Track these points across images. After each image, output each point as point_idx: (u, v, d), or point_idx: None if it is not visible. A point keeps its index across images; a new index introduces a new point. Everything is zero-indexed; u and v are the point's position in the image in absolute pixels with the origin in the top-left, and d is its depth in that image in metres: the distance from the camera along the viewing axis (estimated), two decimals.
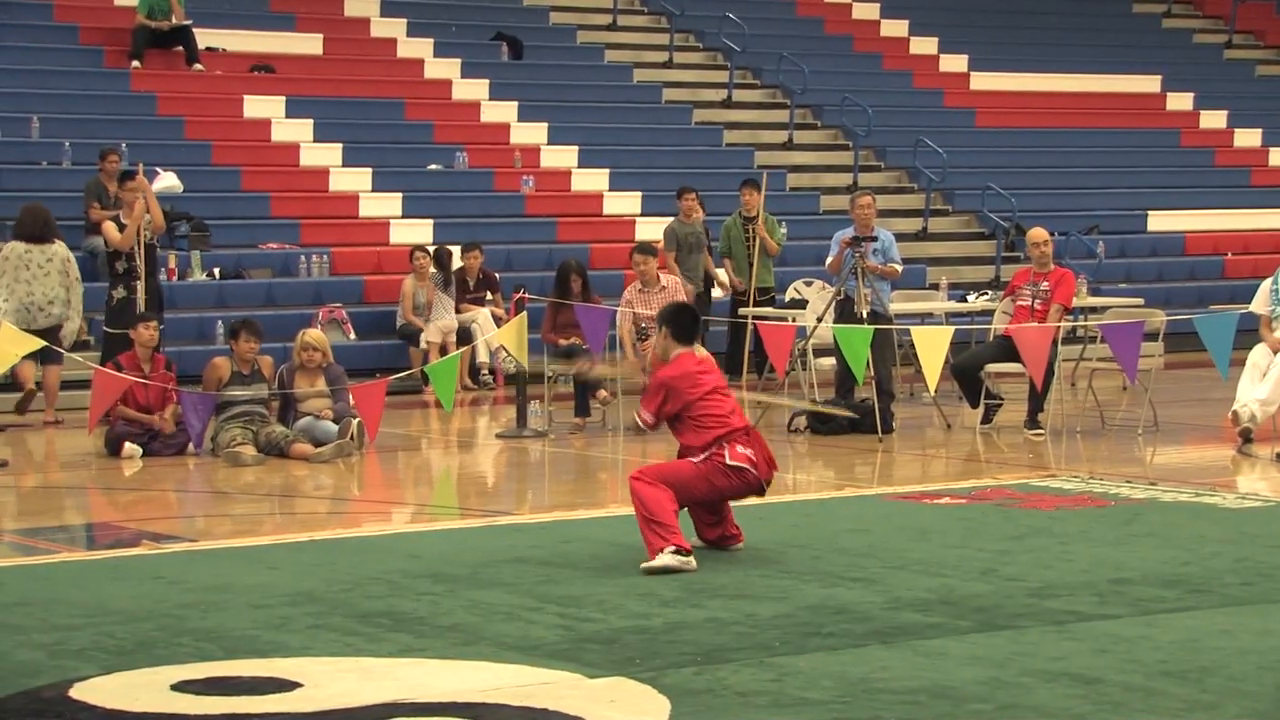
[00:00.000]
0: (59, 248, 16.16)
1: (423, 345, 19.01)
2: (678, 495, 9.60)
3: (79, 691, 6.97)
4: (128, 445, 14.34)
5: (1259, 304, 15.05)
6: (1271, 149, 28.47)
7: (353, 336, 19.31)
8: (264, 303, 19.65)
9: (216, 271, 19.88)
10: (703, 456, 9.74)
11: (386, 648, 7.73)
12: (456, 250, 20.04)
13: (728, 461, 9.71)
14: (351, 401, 14.75)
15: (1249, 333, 15.20)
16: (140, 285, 16.41)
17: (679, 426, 9.94)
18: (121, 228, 16.51)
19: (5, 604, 8.62)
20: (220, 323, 18.19)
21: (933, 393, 15.50)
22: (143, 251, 16.52)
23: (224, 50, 23.73)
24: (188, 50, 23.02)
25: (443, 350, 18.69)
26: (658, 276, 16.27)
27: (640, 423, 10.13)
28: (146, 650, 7.67)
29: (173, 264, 19.43)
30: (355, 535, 10.88)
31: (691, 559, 9.34)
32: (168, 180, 20.36)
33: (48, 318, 15.88)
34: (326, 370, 14.92)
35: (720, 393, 9.93)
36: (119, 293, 16.45)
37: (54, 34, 23.13)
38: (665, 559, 9.26)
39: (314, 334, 15.20)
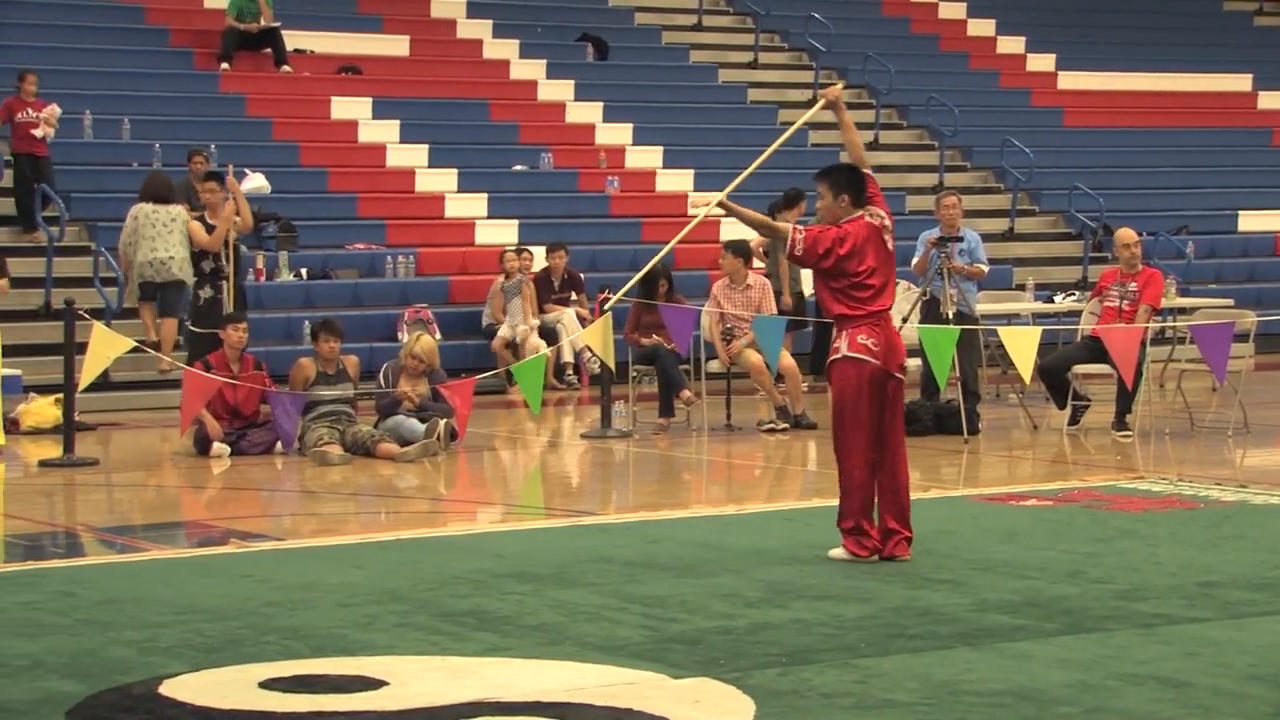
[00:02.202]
0: (180, 210, 17.44)
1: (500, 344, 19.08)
2: (847, 450, 9.50)
3: (168, 688, 7.03)
4: (216, 444, 14.45)
5: None
6: None
7: (438, 337, 19.39)
8: (350, 303, 19.77)
9: (304, 272, 20.02)
10: (834, 355, 9.54)
11: (472, 647, 7.76)
12: (541, 250, 20.10)
13: (845, 353, 9.54)
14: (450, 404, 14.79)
15: None
16: (227, 285, 16.56)
17: (826, 293, 9.64)
18: (209, 228, 16.65)
19: (96, 601, 8.71)
20: (307, 323, 18.31)
21: (1025, 388, 15.40)
22: (231, 252, 16.68)
23: (312, 52, 23.89)
24: (276, 52, 23.20)
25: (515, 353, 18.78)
26: (746, 275, 16.26)
27: (790, 241, 9.66)
28: (234, 648, 7.73)
29: (260, 264, 19.58)
30: (441, 535, 10.92)
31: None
32: (256, 181, 20.49)
33: (169, 274, 17.19)
34: (431, 375, 14.98)
35: (886, 272, 9.56)
36: (205, 292, 16.60)
37: (145, 37, 23.36)
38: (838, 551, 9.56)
39: (426, 343, 15.19)
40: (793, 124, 11.38)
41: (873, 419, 9.59)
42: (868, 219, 9.64)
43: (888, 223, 9.69)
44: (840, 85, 10.27)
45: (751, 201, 20.29)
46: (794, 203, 19.16)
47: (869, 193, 9.71)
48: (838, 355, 9.61)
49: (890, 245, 9.69)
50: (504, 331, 19.21)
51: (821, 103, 10.33)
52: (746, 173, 10.46)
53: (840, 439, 9.65)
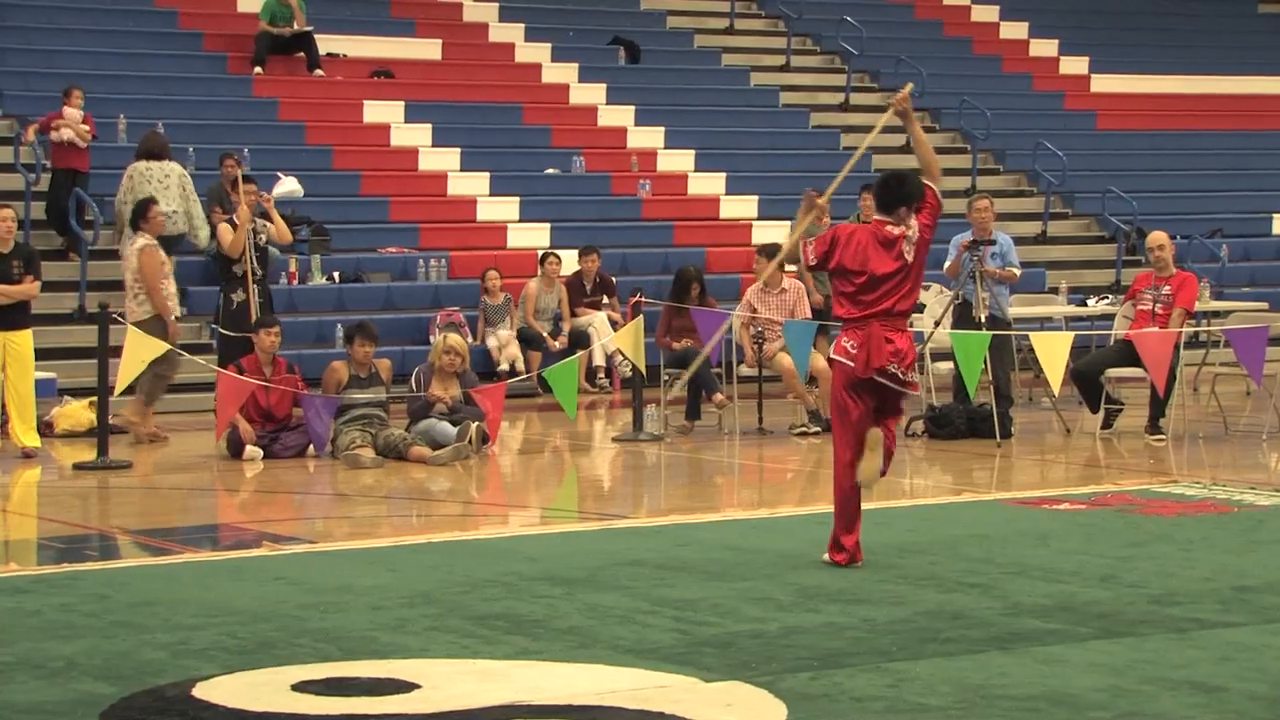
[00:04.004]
0: (175, 166, 17.97)
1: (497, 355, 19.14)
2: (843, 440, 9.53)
3: (201, 690, 7.05)
4: (249, 448, 14.49)
5: None
6: None
7: (470, 340, 19.42)
8: (383, 306, 19.80)
9: (336, 275, 20.06)
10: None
11: (503, 650, 7.76)
12: (573, 254, 20.13)
13: (831, 356, 9.70)
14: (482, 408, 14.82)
15: None
16: (252, 290, 16.58)
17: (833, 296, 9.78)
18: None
19: (130, 603, 8.74)
20: (339, 326, 18.35)
21: (1056, 394, 15.36)
22: (252, 255, 16.69)
23: (344, 56, 23.94)
24: (309, 56, 23.26)
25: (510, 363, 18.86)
26: (780, 278, 16.25)
27: (804, 254, 9.83)
28: (267, 650, 7.75)
29: (293, 268, 19.63)
30: (473, 538, 10.93)
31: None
32: (289, 185, 20.54)
33: (170, 228, 17.23)
34: (462, 376, 15.01)
35: (882, 279, 9.51)
36: (237, 296, 16.63)
37: (178, 41, 23.44)
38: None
39: (456, 339, 15.26)
40: (858, 141, 11.33)
41: (856, 422, 9.53)
42: (876, 226, 9.59)
43: (909, 233, 9.64)
44: (909, 88, 10.20)
45: (781, 204, 20.34)
46: None
47: (911, 203, 9.62)
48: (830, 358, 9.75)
49: (904, 254, 9.58)
50: (490, 341, 19.23)
51: (890, 110, 10.32)
52: (828, 193, 10.48)
53: (833, 441, 9.72)
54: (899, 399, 9.67)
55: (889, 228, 9.62)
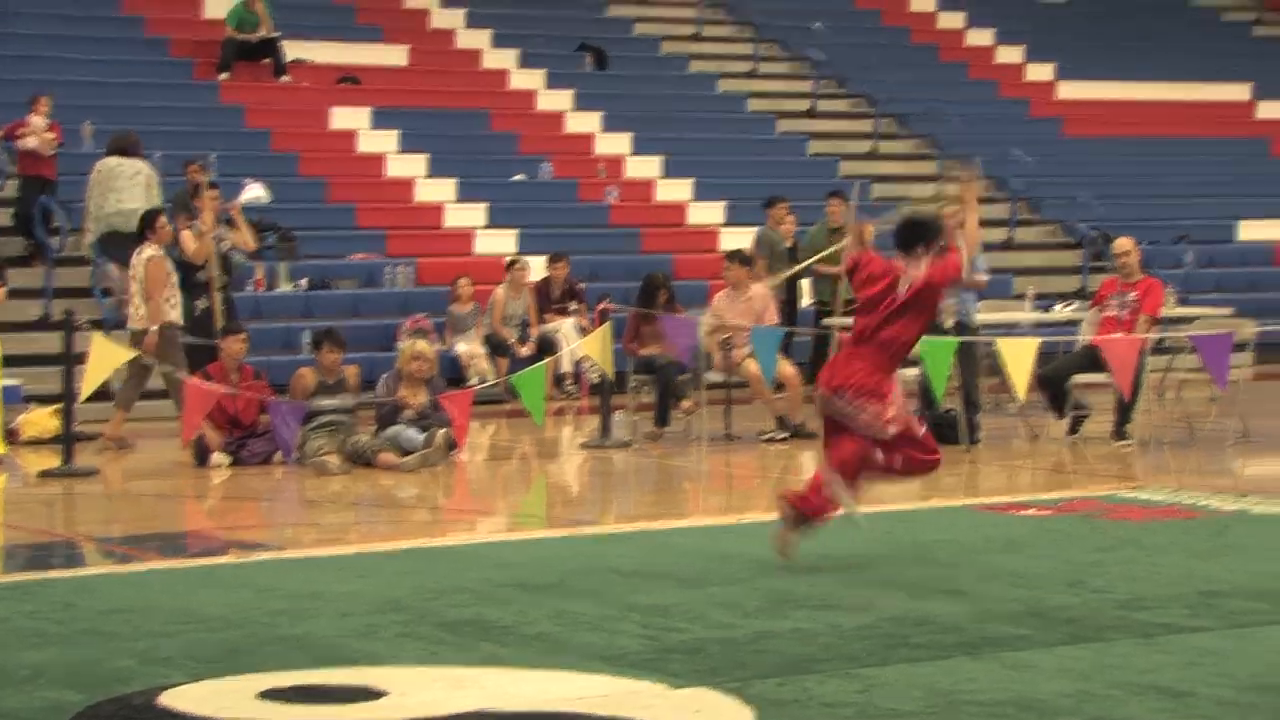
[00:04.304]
0: (143, 165, 18.09)
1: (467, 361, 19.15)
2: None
3: (168, 698, 7.02)
4: (216, 455, 14.45)
5: None
6: None
7: (438, 346, 19.39)
8: (350, 312, 19.77)
9: (303, 282, 20.03)
10: None
11: (472, 656, 7.75)
12: (541, 260, 20.12)
13: None
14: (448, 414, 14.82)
15: None
16: (215, 297, 16.56)
17: None
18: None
19: (97, 611, 8.70)
20: (307, 333, 18.31)
21: (1021, 403, 15.39)
22: (216, 262, 16.65)
23: (311, 62, 23.91)
24: (276, 62, 23.23)
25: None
26: (748, 284, 16.26)
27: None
28: (235, 658, 7.72)
29: (260, 274, 19.59)
30: (442, 544, 10.92)
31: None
32: (255, 191, 20.54)
33: (132, 226, 16.98)
34: (430, 383, 15.00)
35: (874, 303, 9.71)
36: (201, 303, 16.61)
37: (145, 47, 23.40)
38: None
39: (423, 345, 15.28)
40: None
41: (826, 436, 9.94)
42: (897, 264, 9.81)
43: (914, 271, 9.70)
44: (977, 171, 10.31)
45: (748, 210, 20.34)
46: (771, 207, 19.32)
47: (926, 243, 9.82)
48: None
49: (898, 286, 9.68)
50: (459, 348, 19.21)
51: (959, 192, 10.44)
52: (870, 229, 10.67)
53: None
54: (858, 427, 9.68)
55: (901, 263, 9.76)
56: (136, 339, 15.35)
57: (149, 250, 15.56)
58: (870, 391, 9.62)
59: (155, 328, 15.40)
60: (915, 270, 9.74)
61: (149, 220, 15.84)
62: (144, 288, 15.41)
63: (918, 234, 9.85)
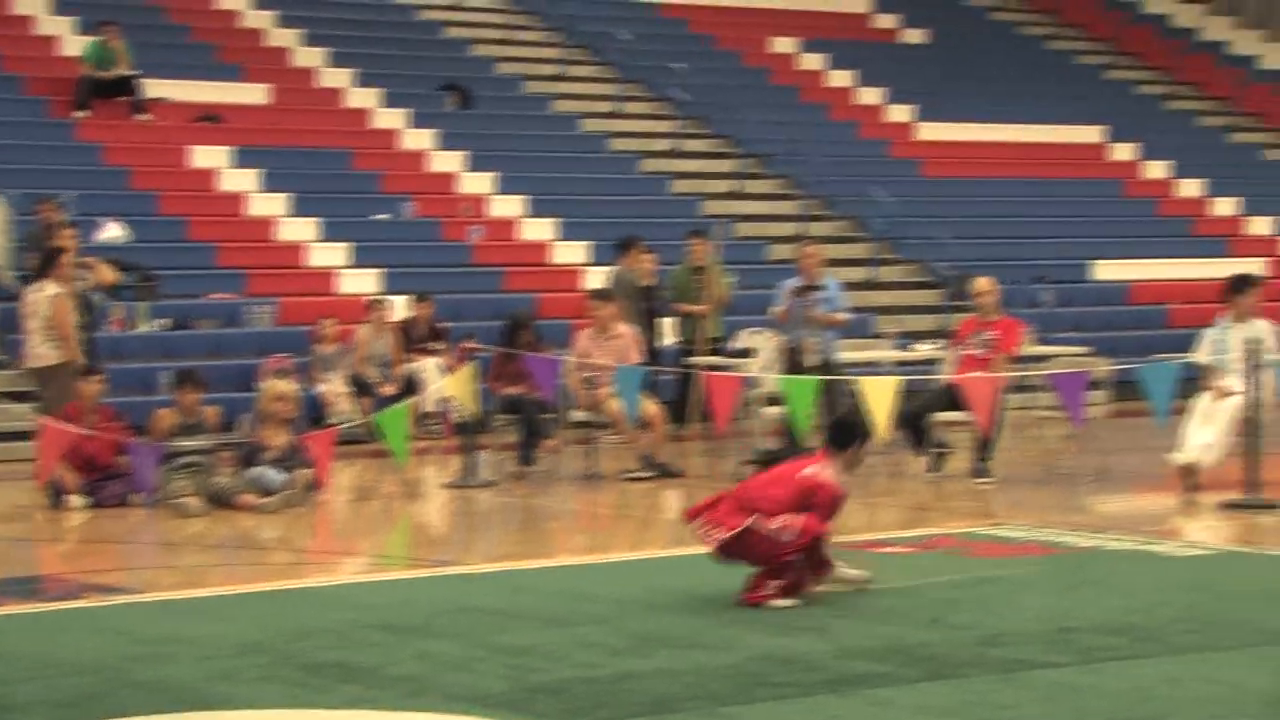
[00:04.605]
0: None
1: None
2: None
3: None
4: (72, 497, 14.25)
5: (1202, 353, 15.16)
6: (1213, 199, 28.73)
7: (300, 387, 19.24)
8: (210, 353, 19.58)
9: (163, 322, 19.81)
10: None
11: (335, 699, 7.69)
12: (404, 300, 20.05)
13: None
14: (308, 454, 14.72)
15: (1192, 381, 15.30)
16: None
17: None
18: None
19: None
20: (165, 374, 18.11)
21: (883, 438, 15.51)
22: (77, 303, 16.47)
23: (171, 100, 23.69)
24: (134, 100, 22.99)
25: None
26: (613, 324, 16.28)
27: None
28: (93, 703, 7.61)
29: (119, 315, 19.35)
30: (304, 586, 10.83)
31: None
32: (113, 231, 20.31)
33: None
34: (291, 423, 14.89)
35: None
36: None
37: None
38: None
39: (285, 386, 15.18)
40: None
41: None
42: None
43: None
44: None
45: (611, 249, 20.37)
46: (627, 249, 19.30)
47: (835, 447, 9.99)
48: None
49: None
50: (321, 387, 19.11)
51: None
52: None
53: None
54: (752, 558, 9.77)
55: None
56: (41, 376, 15.23)
57: (51, 288, 15.49)
58: (713, 529, 9.80)
59: (81, 362, 15.54)
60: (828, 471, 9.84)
61: (51, 258, 15.81)
62: (49, 324, 15.41)
63: (836, 436, 10.04)
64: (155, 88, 23.48)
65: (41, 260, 15.87)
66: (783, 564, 9.65)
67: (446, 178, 23.83)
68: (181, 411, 14.70)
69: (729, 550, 9.72)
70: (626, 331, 16.44)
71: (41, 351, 15.38)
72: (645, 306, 19.09)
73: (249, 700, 7.68)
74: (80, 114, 22.68)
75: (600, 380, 16.05)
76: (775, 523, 9.61)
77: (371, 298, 20.03)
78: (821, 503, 9.76)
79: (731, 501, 9.81)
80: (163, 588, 11.09)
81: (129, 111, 23.00)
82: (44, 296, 15.45)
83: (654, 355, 18.94)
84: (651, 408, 16.10)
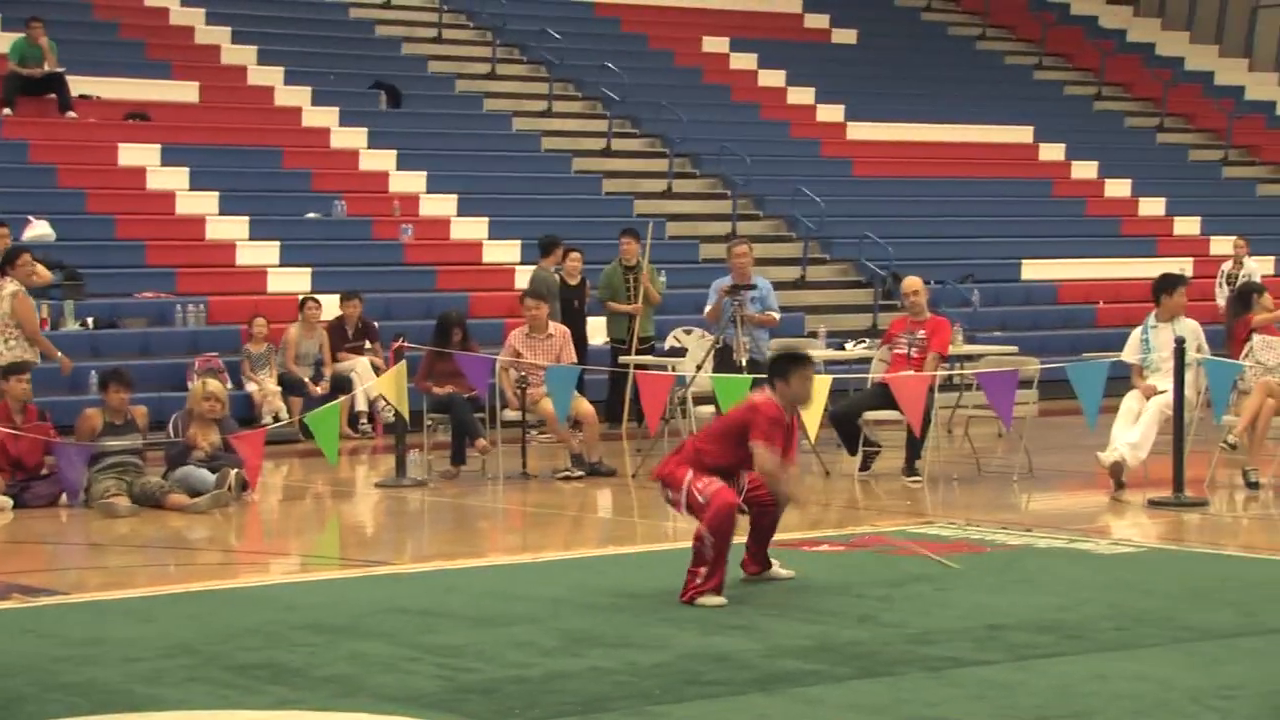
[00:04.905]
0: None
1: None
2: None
3: None
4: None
5: (1130, 352, 15.27)
6: (1141, 199, 28.95)
7: (229, 386, 19.13)
8: (139, 352, 19.45)
9: (90, 321, 19.66)
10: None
11: (264, 700, 7.65)
12: (335, 299, 19.97)
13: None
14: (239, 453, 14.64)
15: (1120, 380, 15.41)
16: None
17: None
18: None
19: None
20: (94, 373, 17.96)
21: (812, 441, 15.56)
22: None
23: (98, 98, 23.52)
24: (61, 98, 22.81)
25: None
26: (547, 324, 16.26)
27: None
28: (17, 706, 7.54)
29: (45, 314, 19.18)
30: (232, 586, 10.77)
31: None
32: (40, 229, 20.15)
33: None
34: (221, 422, 14.80)
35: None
36: None
37: None
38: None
39: (215, 385, 15.08)
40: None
41: None
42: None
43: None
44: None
45: (530, 249, 20.35)
46: (549, 250, 19.25)
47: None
48: None
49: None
50: (251, 388, 19.03)
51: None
52: None
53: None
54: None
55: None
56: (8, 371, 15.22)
57: (11, 285, 15.56)
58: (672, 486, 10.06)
59: (60, 355, 15.98)
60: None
61: (11, 257, 15.90)
62: (23, 324, 15.52)
63: (786, 362, 10.33)
64: (82, 85, 23.31)
65: (2, 259, 15.89)
66: (699, 548, 9.74)
67: (377, 176, 23.74)
68: (109, 411, 14.59)
69: (683, 507, 9.97)
70: (560, 331, 16.42)
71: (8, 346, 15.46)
72: (573, 306, 19.07)
73: (177, 702, 7.63)
74: (5, 111, 22.48)
75: (533, 380, 16.02)
76: (700, 483, 9.85)
77: (302, 296, 19.93)
78: (759, 422, 9.95)
79: (681, 453, 10.14)
80: (90, 589, 11.00)
81: (56, 109, 22.82)
82: (5, 294, 15.44)
83: (582, 354, 18.92)
84: (585, 406, 16.08)
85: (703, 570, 9.74)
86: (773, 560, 10.46)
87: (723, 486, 9.86)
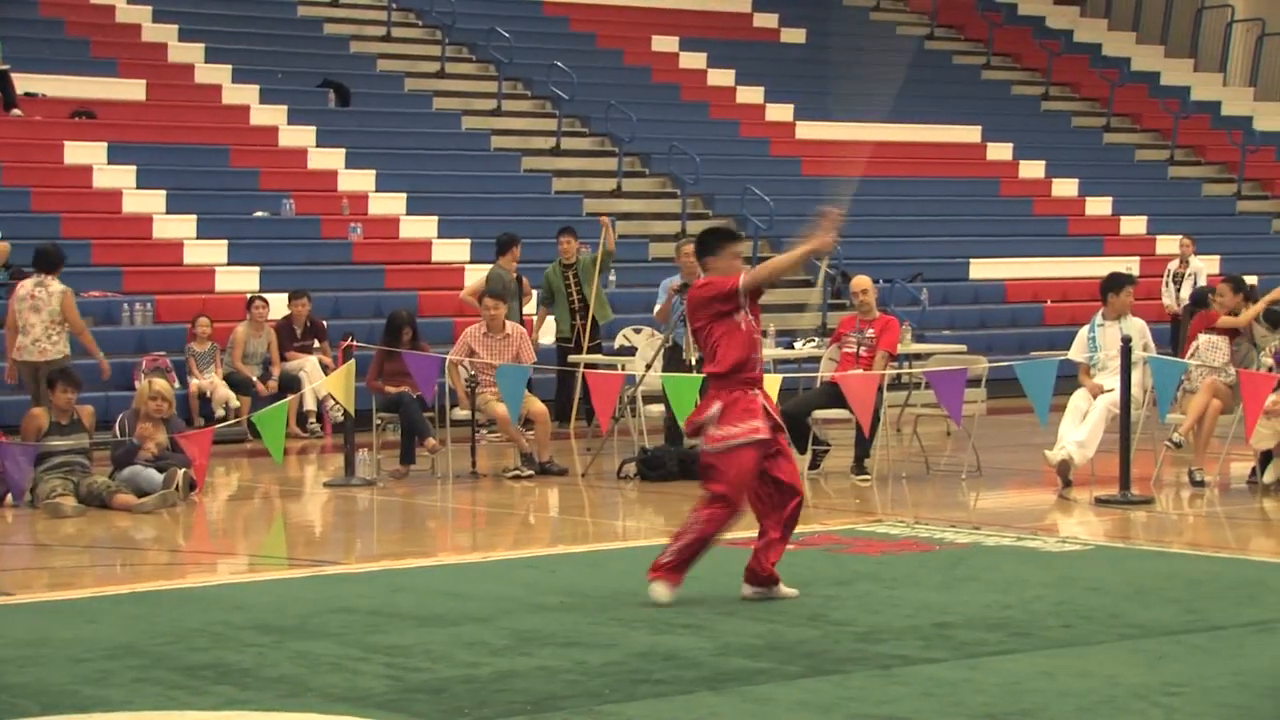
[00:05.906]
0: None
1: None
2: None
3: None
4: None
5: (1077, 351, 15.35)
6: (1088, 198, 29.10)
7: (176, 385, 19.04)
8: (85, 351, 19.29)
9: None
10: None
11: (210, 700, 7.62)
12: (283, 298, 19.90)
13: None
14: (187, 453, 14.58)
15: (1068, 378, 15.49)
16: None
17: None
18: None
19: None
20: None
21: None
22: None
23: (44, 96, 23.38)
24: (6, 95, 22.66)
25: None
26: (504, 324, 16.23)
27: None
28: None
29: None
30: (179, 586, 10.73)
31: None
32: None
33: None
34: (168, 422, 14.74)
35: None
36: None
37: None
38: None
39: (162, 384, 15.00)
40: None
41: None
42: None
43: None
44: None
45: (493, 247, 20.31)
46: (506, 249, 19.15)
47: (703, 254, 10.23)
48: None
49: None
50: (194, 384, 18.95)
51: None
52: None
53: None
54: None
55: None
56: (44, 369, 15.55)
57: (57, 285, 15.98)
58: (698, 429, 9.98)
59: (102, 356, 16.33)
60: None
61: (60, 257, 16.35)
62: (69, 322, 16.02)
63: (702, 244, 10.21)
64: (27, 83, 23.16)
65: (51, 258, 16.16)
66: (692, 522, 9.78)
67: (326, 175, 23.67)
68: (55, 411, 14.50)
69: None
70: (517, 331, 16.39)
71: (45, 347, 15.88)
72: (513, 305, 18.99)
73: (123, 703, 7.59)
74: None
75: (484, 380, 15.99)
76: (722, 430, 9.71)
77: (250, 295, 19.85)
78: (716, 282, 9.89)
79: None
80: (35, 589, 10.94)
81: (1, 107, 22.66)
82: (56, 291, 15.86)
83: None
84: (537, 405, 16.07)
85: (676, 546, 9.68)
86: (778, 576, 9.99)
87: (748, 470, 9.73)
